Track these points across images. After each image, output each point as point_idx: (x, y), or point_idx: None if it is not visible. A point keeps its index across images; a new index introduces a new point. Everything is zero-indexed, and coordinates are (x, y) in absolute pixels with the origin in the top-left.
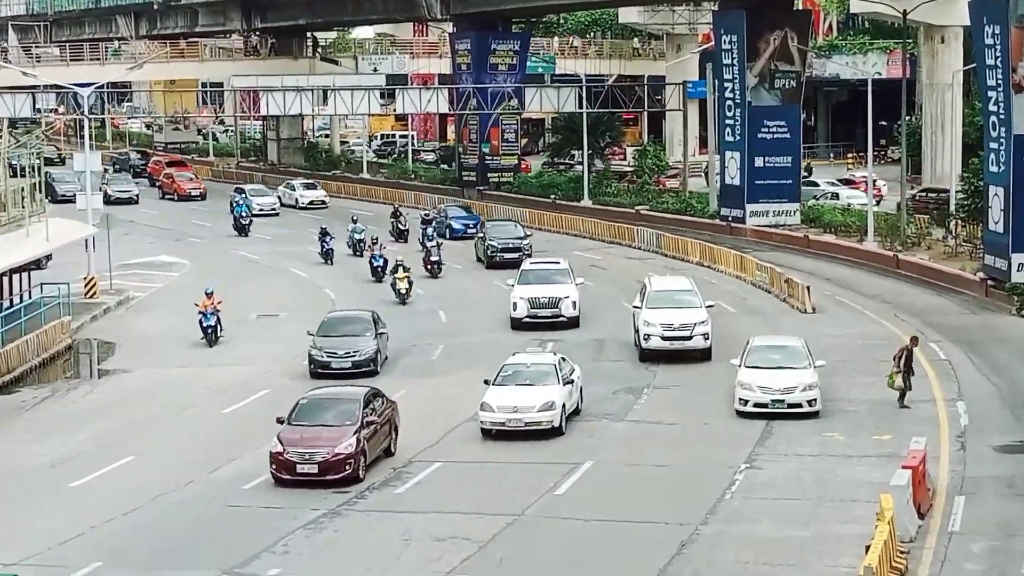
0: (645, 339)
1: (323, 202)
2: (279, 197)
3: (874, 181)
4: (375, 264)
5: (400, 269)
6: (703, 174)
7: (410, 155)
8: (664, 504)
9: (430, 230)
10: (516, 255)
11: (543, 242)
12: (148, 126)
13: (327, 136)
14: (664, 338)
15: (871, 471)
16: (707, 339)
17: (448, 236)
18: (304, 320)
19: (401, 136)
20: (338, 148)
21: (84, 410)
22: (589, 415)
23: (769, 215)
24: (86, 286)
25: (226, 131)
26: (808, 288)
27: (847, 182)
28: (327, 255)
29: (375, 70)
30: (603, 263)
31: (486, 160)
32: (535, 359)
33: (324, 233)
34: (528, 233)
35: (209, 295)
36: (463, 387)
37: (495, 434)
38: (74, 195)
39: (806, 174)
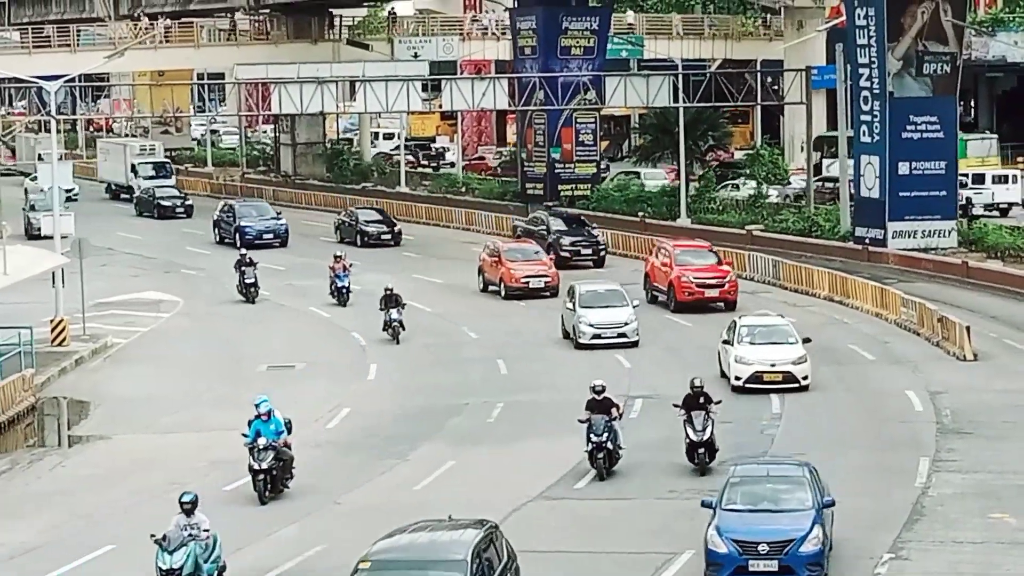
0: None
1: None
2: None
3: None
4: None
5: None
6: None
7: (459, 163)
8: None
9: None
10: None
11: (629, 272)
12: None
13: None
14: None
15: None
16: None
17: None
18: (326, 373)
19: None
20: (369, 155)
21: (52, 487)
22: (689, 491)
23: (917, 236)
24: (53, 331)
25: (206, 134)
26: (968, 329)
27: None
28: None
29: (415, 56)
30: None
31: (556, 169)
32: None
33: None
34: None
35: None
36: (527, 457)
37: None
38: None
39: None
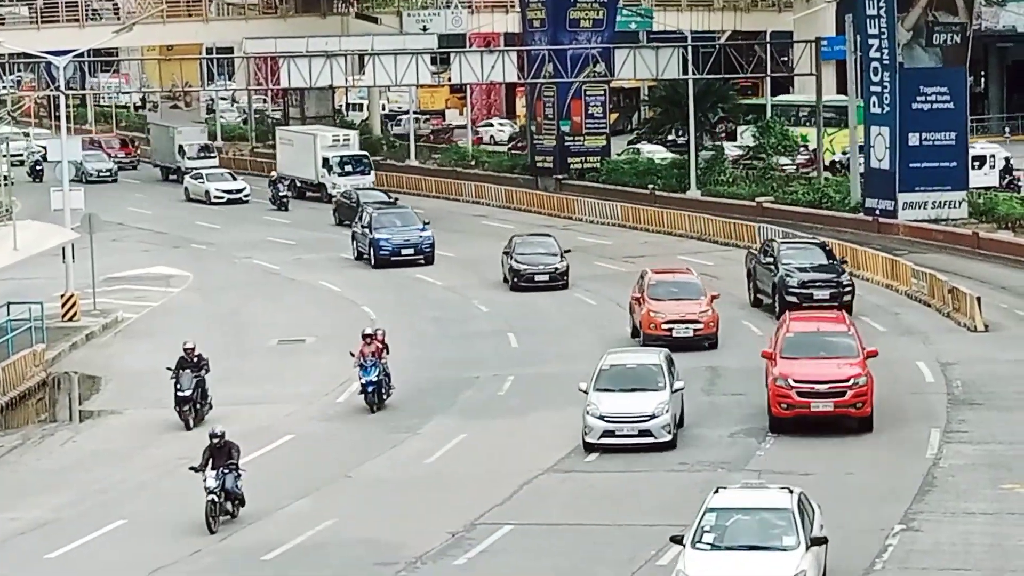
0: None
1: None
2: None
3: None
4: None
5: None
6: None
7: (469, 136)
8: None
9: None
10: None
11: (639, 244)
12: (138, 105)
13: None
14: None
15: None
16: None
17: None
18: (337, 346)
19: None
20: (378, 128)
21: (63, 462)
22: (700, 464)
23: (928, 207)
24: (64, 306)
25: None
26: (979, 300)
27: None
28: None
29: (424, 29)
30: (716, 271)
31: (566, 141)
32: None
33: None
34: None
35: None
36: (538, 430)
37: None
38: None
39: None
